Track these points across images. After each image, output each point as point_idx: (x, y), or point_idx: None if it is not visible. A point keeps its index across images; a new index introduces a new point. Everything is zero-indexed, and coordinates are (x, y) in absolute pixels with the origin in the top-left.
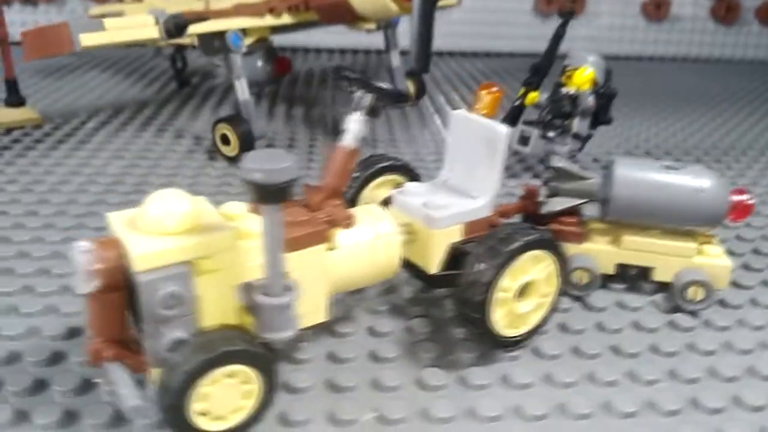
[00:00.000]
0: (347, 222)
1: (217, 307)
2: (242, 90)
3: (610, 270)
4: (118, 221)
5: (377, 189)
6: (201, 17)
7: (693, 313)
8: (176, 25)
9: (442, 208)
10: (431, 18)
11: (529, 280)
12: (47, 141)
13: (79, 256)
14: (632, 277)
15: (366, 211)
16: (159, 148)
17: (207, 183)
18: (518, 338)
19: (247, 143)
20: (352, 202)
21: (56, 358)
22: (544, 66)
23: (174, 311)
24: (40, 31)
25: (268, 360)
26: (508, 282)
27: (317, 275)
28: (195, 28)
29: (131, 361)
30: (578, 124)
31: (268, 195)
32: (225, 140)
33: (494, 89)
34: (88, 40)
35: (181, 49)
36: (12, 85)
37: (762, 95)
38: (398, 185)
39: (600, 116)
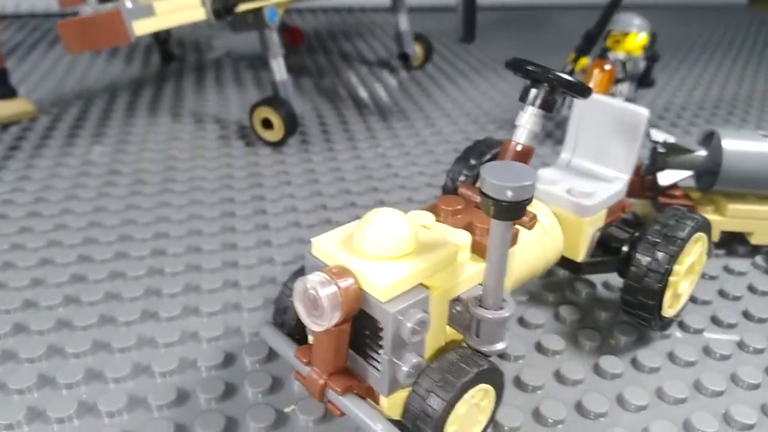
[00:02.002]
0: (531, 223)
1: (435, 324)
2: (280, 69)
3: (715, 238)
4: (331, 247)
5: None
6: None
7: None
8: (225, 5)
9: (589, 195)
10: None
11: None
12: (56, 136)
13: (315, 290)
14: (725, 241)
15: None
16: (186, 136)
17: (264, 174)
18: (673, 318)
19: (292, 125)
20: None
21: (231, 392)
22: (598, 33)
23: (418, 337)
24: (86, 22)
25: (501, 375)
26: (677, 266)
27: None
28: (242, 6)
29: (359, 391)
30: (627, 89)
31: (510, 212)
32: (265, 124)
33: (606, 66)
34: (141, 28)
35: None
36: (2, 75)
37: (736, 40)
38: None
39: (643, 79)
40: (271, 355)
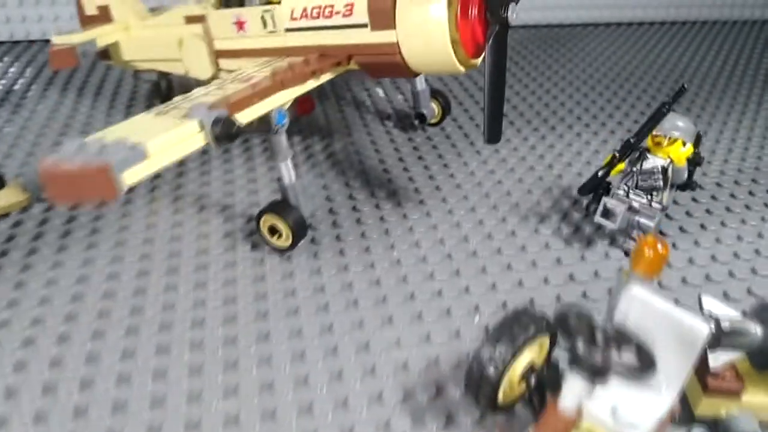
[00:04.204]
0: None
1: None
2: (288, 172)
3: None
4: None
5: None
6: (246, 103)
7: None
8: (226, 132)
9: (638, 426)
10: (503, 81)
11: None
12: (50, 233)
13: None
14: None
15: None
16: (189, 236)
17: (271, 299)
18: None
19: (301, 232)
20: (499, 379)
21: None
22: (637, 144)
23: None
24: (70, 175)
25: None
26: None
27: None
28: (245, 118)
29: None
30: (666, 197)
31: None
32: (273, 230)
33: (660, 246)
34: (132, 176)
35: (166, 72)
36: None
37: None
38: (539, 344)
39: (683, 184)
40: None
